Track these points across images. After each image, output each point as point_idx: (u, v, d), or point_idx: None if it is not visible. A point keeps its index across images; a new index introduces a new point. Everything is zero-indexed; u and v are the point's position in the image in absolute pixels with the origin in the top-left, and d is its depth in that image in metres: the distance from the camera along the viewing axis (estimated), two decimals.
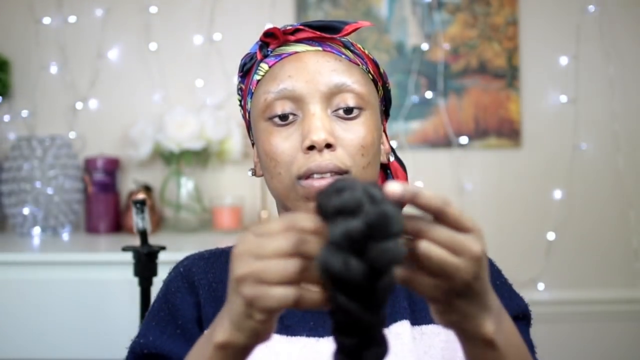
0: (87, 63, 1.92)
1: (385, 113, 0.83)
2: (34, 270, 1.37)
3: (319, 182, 0.68)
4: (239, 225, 1.81)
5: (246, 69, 0.76)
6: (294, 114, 0.70)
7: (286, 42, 0.73)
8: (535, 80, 1.97)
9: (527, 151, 1.96)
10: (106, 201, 1.78)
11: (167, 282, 0.80)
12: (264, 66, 0.74)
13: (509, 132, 1.94)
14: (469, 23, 1.95)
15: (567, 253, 1.95)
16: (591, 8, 1.95)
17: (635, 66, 1.97)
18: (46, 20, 1.92)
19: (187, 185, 1.81)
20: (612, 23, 1.96)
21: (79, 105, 1.92)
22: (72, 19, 1.92)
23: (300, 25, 0.72)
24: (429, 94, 1.93)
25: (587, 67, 1.96)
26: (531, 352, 0.74)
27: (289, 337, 0.72)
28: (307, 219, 0.49)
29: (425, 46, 1.94)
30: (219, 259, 0.80)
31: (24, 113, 1.91)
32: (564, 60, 1.96)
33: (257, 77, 0.74)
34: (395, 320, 0.72)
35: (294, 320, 0.73)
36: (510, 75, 1.95)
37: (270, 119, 0.71)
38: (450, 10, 1.95)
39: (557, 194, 1.95)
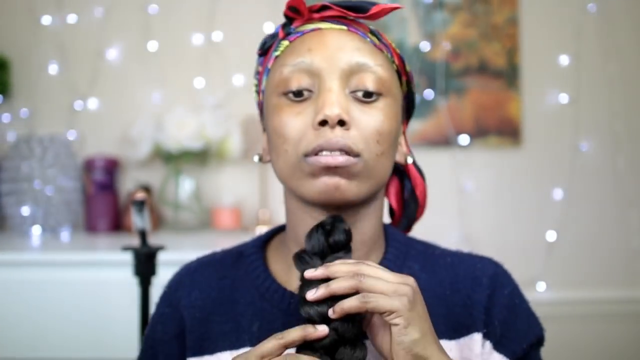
0: (87, 62, 1.92)
1: (407, 114, 0.78)
2: (33, 270, 1.37)
3: (326, 159, 0.64)
4: (238, 225, 1.81)
5: (266, 47, 0.73)
6: (310, 90, 0.66)
7: (310, 20, 0.69)
8: (536, 80, 1.96)
9: (527, 151, 1.96)
10: (105, 201, 1.78)
11: (157, 305, 0.80)
12: (284, 42, 0.70)
13: (509, 132, 1.94)
14: (469, 22, 1.95)
15: (567, 253, 1.94)
16: (592, 7, 1.95)
17: (636, 65, 1.97)
18: (46, 19, 1.91)
19: (186, 185, 1.80)
20: (613, 22, 1.96)
21: (78, 105, 1.91)
22: (71, 18, 1.92)
23: (327, 2, 0.69)
24: (429, 94, 1.93)
25: (588, 66, 1.96)
26: None
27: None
28: (294, 333, 0.58)
29: (425, 45, 1.94)
30: (207, 270, 0.78)
31: (24, 112, 1.91)
32: (564, 60, 1.96)
33: (276, 54, 0.70)
34: None
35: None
36: (510, 75, 1.94)
37: (285, 94, 0.67)
38: (450, 9, 1.95)
39: (557, 194, 1.95)
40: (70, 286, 1.36)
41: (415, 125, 1.93)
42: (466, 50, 1.95)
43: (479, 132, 1.94)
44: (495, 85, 1.94)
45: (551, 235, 1.94)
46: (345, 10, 0.67)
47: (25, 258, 1.39)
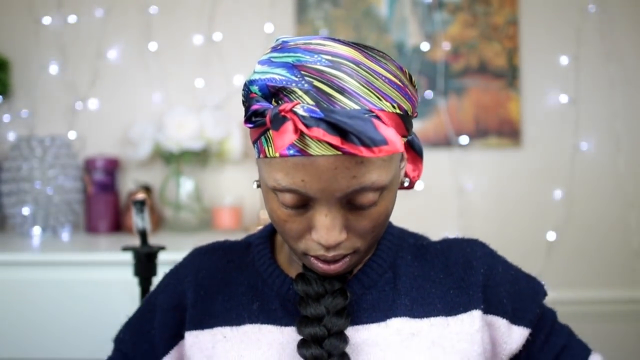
0: (87, 63, 1.92)
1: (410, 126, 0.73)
2: (33, 270, 1.37)
3: (327, 267, 0.68)
4: (239, 225, 1.81)
5: (257, 125, 0.64)
6: (306, 204, 0.65)
7: (302, 134, 0.60)
8: (536, 80, 1.96)
9: (527, 151, 1.96)
10: (106, 201, 1.78)
11: (165, 276, 0.85)
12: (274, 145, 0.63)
13: (509, 132, 1.94)
14: (469, 23, 1.95)
15: (567, 253, 1.95)
16: (591, 8, 1.95)
17: (636, 66, 1.97)
18: (46, 20, 1.92)
19: (186, 185, 1.80)
20: (613, 23, 1.96)
21: (78, 105, 1.92)
22: (72, 18, 1.92)
23: (323, 117, 0.57)
24: (429, 94, 1.93)
25: (588, 67, 1.96)
26: (554, 317, 0.85)
27: (282, 328, 0.74)
28: None
29: (425, 46, 1.94)
30: (216, 254, 0.83)
31: (24, 113, 1.91)
32: (564, 60, 1.96)
33: (265, 147, 0.64)
34: (395, 316, 0.73)
35: (286, 312, 0.75)
36: (510, 75, 1.94)
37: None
38: (450, 10, 1.95)
39: (557, 194, 1.95)
40: (70, 286, 1.36)
41: (415, 125, 1.93)
42: (466, 50, 1.95)
43: (478, 133, 1.94)
44: (495, 86, 1.94)
45: (551, 235, 1.94)
46: (340, 141, 0.57)
47: (26, 258, 1.39)
